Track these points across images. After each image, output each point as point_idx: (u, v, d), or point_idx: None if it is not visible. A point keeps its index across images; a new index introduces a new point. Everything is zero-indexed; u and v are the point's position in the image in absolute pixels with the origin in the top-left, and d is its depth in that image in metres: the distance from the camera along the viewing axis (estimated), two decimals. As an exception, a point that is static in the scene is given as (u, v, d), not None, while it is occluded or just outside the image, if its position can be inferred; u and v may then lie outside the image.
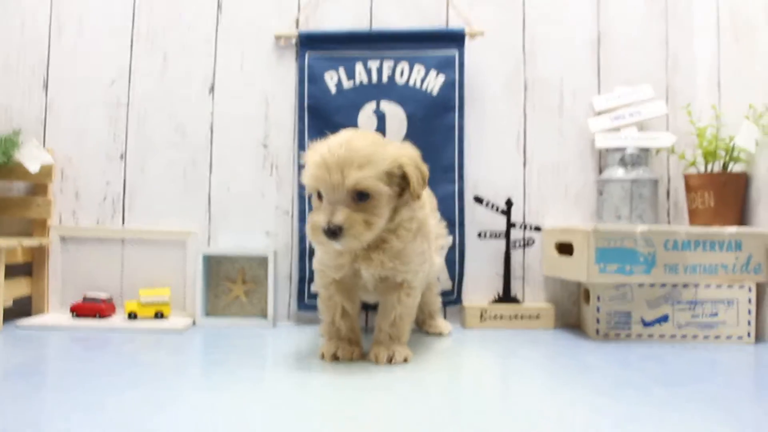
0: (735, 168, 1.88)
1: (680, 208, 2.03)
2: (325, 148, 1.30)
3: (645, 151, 1.92)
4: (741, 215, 1.88)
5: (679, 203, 2.03)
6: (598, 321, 1.77)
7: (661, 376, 1.33)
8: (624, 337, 1.77)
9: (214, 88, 1.96)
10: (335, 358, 1.42)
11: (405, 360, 1.43)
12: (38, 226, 1.90)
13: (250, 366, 1.38)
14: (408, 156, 1.34)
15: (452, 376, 1.37)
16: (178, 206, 1.95)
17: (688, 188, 1.92)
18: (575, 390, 1.22)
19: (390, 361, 1.41)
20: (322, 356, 1.43)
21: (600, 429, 0.97)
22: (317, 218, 1.29)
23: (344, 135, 1.33)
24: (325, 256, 1.42)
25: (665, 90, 2.04)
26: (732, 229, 1.76)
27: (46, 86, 1.93)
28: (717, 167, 1.88)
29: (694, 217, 1.91)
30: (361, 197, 1.28)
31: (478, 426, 0.97)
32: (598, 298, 1.77)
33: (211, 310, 1.92)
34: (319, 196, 1.32)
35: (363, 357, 1.46)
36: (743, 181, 1.86)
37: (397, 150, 1.34)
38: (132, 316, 1.82)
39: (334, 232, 1.26)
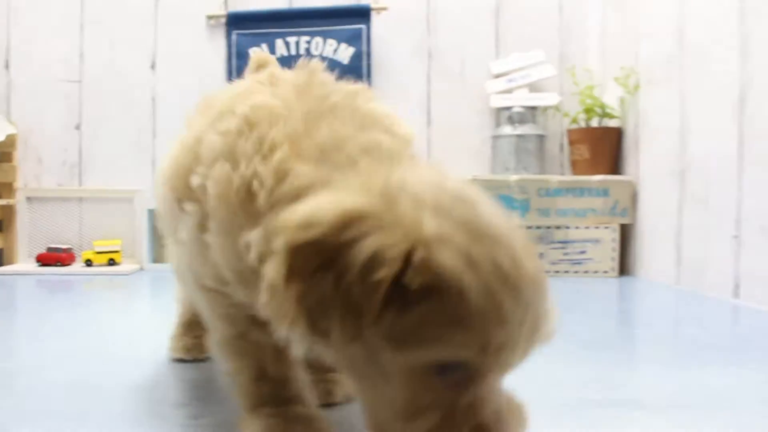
0: (611, 124, 2.12)
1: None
2: (488, 260, 0.48)
3: (532, 110, 2.16)
4: (614, 166, 2.12)
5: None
6: (484, 259, 2.04)
7: None
8: (507, 273, 2.03)
9: (155, 65, 2.24)
10: None
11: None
12: (5, 189, 2.22)
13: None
14: None
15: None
16: (128, 168, 2.24)
17: (570, 142, 2.17)
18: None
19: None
20: None
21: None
22: None
23: (482, 206, 0.52)
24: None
25: (559, 55, 2.28)
26: (599, 177, 2.01)
27: (7, 66, 2.23)
28: (597, 124, 2.13)
29: (575, 167, 2.16)
30: None
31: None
32: (484, 239, 2.04)
33: (158, 258, 2.23)
34: (449, 369, 0.49)
35: None
36: (616, 135, 2.10)
37: None
38: (88, 263, 2.14)
39: None
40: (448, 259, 0.45)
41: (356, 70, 2.20)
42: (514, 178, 1.99)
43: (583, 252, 2.01)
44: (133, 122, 2.25)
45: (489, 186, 1.98)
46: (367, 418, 0.53)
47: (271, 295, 0.49)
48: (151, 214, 2.22)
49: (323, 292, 0.47)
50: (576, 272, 2.01)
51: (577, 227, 2.01)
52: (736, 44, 1.51)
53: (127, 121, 2.25)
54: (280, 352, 0.67)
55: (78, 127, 2.25)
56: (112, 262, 2.15)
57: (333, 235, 0.47)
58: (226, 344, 0.70)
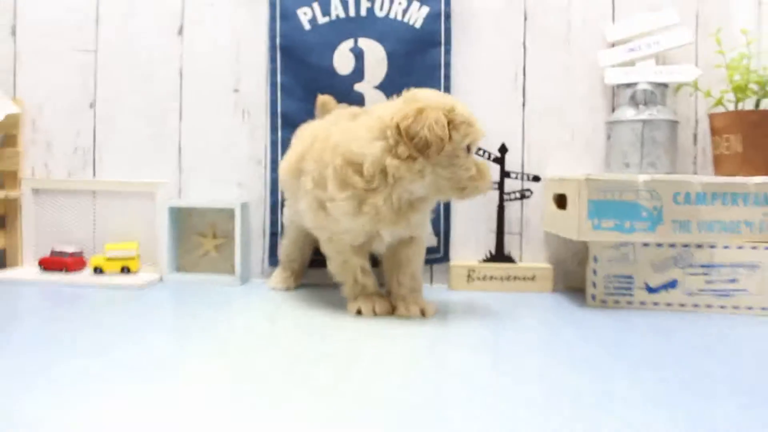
0: (772, 106, 1.57)
1: (709, 154, 1.74)
2: (460, 105, 1.30)
3: (661, 88, 1.63)
4: (777, 163, 1.57)
5: (707, 149, 1.74)
6: (594, 285, 1.54)
7: (655, 353, 1.11)
8: (624, 305, 1.53)
9: (182, 30, 1.82)
10: (374, 313, 1.40)
11: (433, 313, 1.42)
12: (9, 179, 1.85)
13: (193, 328, 1.27)
14: None
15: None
16: (148, 156, 1.84)
17: (713, 130, 1.63)
18: (534, 380, 1.03)
19: (423, 314, 1.40)
20: (359, 312, 1.40)
21: (555, 408, 0.79)
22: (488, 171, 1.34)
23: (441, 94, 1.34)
24: (344, 222, 1.33)
25: (695, 15, 1.73)
26: (758, 179, 1.47)
27: (14, 33, 1.86)
28: (750, 105, 1.58)
29: (720, 165, 1.62)
30: None
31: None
32: (595, 258, 1.54)
33: (182, 266, 1.83)
34: (468, 149, 1.30)
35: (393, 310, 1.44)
36: (780, 122, 1.55)
37: None
38: (97, 270, 1.75)
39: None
40: (458, 115, 1.26)
41: (431, 35, 1.72)
42: (643, 178, 1.47)
43: (733, 281, 1.48)
44: (157, 100, 1.84)
45: (607, 188, 1.48)
46: (454, 197, 1.32)
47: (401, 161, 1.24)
48: (175, 212, 1.81)
49: (423, 138, 1.21)
50: (722, 307, 1.48)
51: (726, 247, 1.48)
52: None
53: (150, 99, 1.84)
54: (364, 270, 1.44)
55: (92, 106, 1.85)
56: (126, 270, 1.76)
57: (415, 113, 1.23)
58: (339, 265, 1.44)
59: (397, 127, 1.24)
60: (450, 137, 1.24)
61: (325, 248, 1.45)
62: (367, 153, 1.27)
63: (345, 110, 1.60)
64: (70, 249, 1.79)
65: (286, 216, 1.70)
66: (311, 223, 1.44)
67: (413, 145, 1.22)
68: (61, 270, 1.76)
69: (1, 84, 1.84)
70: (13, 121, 1.81)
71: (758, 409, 0.85)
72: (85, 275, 1.75)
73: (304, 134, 1.56)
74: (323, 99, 1.70)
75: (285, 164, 1.57)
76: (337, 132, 1.36)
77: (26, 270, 1.81)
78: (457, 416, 0.81)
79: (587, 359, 1.09)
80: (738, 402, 0.88)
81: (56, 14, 1.84)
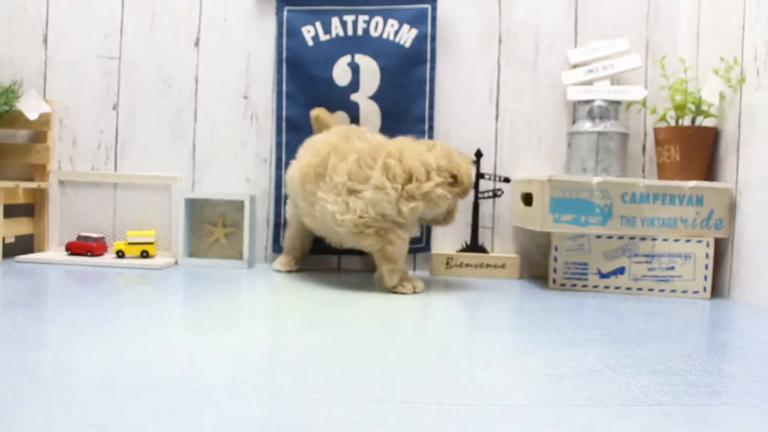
0: (705, 122, 1.86)
1: (654, 162, 2.02)
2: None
3: (614, 105, 1.92)
4: (708, 170, 1.86)
5: (654, 158, 2.03)
6: (555, 271, 1.81)
7: (603, 321, 1.38)
8: (580, 288, 1.80)
9: (199, 42, 2.06)
10: (414, 291, 1.71)
11: (422, 289, 1.72)
12: (39, 171, 2.07)
13: (208, 299, 1.51)
14: None
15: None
16: (166, 154, 2.07)
17: (657, 142, 1.92)
18: (503, 333, 1.29)
19: (414, 290, 1.69)
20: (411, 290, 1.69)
21: (491, 361, 1.05)
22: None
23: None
24: (379, 206, 1.63)
25: (645, 43, 2.02)
26: (692, 183, 1.76)
27: (45, 41, 2.07)
28: (688, 122, 1.87)
29: (662, 171, 1.91)
30: None
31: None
32: (556, 248, 1.81)
33: (194, 252, 2.06)
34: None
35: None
36: (711, 136, 1.84)
37: None
38: (120, 254, 1.97)
39: None
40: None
41: (419, 54, 1.99)
42: (596, 180, 1.75)
43: (671, 268, 1.77)
44: (174, 104, 2.07)
45: (566, 188, 1.75)
46: (439, 223, 1.78)
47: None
48: (189, 204, 2.04)
49: (465, 183, 1.70)
50: (662, 291, 1.77)
51: (665, 239, 1.77)
52: None
53: (168, 103, 2.07)
54: None
55: (115, 108, 2.08)
56: (145, 254, 1.98)
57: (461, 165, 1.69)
58: (399, 247, 1.70)
59: (453, 175, 1.65)
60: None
61: (391, 237, 1.67)
62: (427, 182, 1.61)
63: (347, 128, 1.82)
64: (94, 235, 2.00)
65: (288, 213, 1.93)
66: (337, 207, 1.64)
67: (462, 187, 1.67)
68: (86, 254, 1.98)
69: (34, 86, 2.05)
70: (43, 120, 2.03)
71: (676, 352, 1.12)
72: (108, 258, 1.97)
73: (317, 147, 1.74)
74: (317, 112, 1.92)
75: (297, 172, 1.77)
76: (400, 148, 1.64)
77: (53, 253, 2.03)
78: (446, 353, 1.07)
79: (548, 322, 1.35)
80: (663, 348, 1.15)
81: (84, 24, 2.07)
